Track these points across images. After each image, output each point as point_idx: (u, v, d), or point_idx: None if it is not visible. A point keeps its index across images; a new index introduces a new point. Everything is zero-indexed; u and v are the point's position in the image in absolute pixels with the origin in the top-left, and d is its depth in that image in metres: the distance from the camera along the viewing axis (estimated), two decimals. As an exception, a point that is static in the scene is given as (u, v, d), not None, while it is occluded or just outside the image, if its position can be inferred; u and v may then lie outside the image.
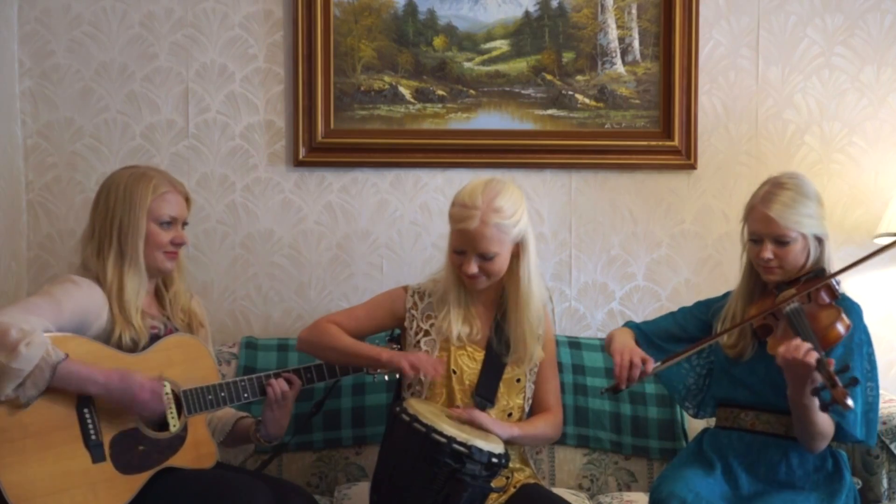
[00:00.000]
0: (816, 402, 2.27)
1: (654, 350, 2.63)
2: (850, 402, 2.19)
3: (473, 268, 2.52)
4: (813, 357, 2.27)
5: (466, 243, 2.51)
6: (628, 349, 2.53)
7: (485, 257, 2.51)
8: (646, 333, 2.71)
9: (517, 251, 2.57)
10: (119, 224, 2.51)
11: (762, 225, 2.49)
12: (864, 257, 2.49)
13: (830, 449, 2.50)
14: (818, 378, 2.28)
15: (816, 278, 2.50)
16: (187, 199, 2.62)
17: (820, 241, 2.52)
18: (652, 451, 3.06)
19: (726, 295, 2.72)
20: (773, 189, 2.51)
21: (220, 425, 2.69)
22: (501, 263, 2.55)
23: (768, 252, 2.49)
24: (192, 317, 2.67)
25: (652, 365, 2.48)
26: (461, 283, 2.61)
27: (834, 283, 2.48)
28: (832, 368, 2.25)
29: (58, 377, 2.29)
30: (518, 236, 2.55)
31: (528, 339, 2.61)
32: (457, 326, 2.60)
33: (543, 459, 3.06)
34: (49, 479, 2.30)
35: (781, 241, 2.48)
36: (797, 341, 2.32)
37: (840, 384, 2.22)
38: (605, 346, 2.71)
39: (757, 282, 2.61)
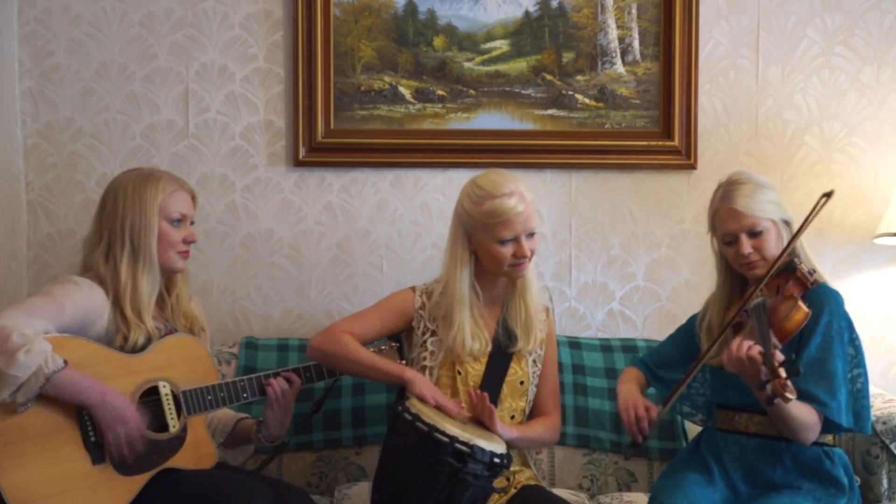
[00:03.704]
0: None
1: (662, 386, 2.72)
2: (789, 394, 2.18)
3: (527, 249, 2.59)
4: (756, 351, 2.27)
5: (518, 227, 2.57)
6: (631, 402, 2.56)
7: (531, 234, 2.61)
8: (650, 368, 2.75)
9: None
10: (130, 225, 2.49)
11: (732, 222, 2.51)
12: (805, 222, 2.47)
13: (825, 449, 2.49)
14: (765, 372, 2.27)
15: (785, 271, 2.49)
16: (193, 198, 2.62)
17: (788, 224, 2.54)
18: (652, 451, 3.06)
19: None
20: (730, 187, 2.54)
21: (221, 426, 2.68)
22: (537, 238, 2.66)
23: (747, 247, 2.49)
24: (194, 321, 2.66)
25: (655, 411, 2.52)
26: (472, 289, 2.62)
27: (807, 273, 2.46)
28: (777, 362, 2.23)
29: (54, 386, 2.28)
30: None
31: (532, 321, 2.66)
32: (468, 343, 2.60)
33: (543, 459, 3.06)
34: (49, 481, 2.30)
35: (755, 233, 2.49)
36: (738, 341, 2.32)
37: (783, 375, 2.20)
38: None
39: (733, 287, 2.62)
